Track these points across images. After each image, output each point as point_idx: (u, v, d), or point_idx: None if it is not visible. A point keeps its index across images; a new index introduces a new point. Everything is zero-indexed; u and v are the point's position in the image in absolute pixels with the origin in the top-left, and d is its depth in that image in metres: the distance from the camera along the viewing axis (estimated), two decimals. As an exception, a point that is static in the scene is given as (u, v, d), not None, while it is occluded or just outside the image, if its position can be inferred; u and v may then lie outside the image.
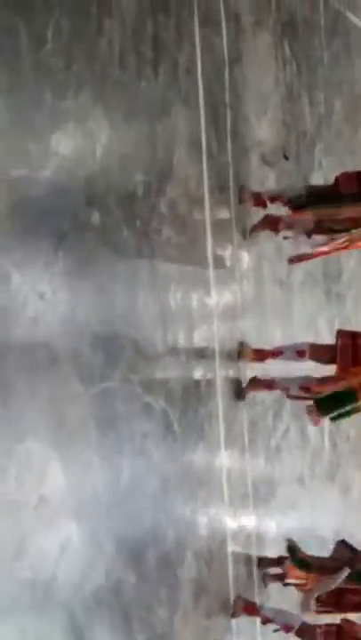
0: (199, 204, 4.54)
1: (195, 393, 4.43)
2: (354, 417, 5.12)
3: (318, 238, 4.97)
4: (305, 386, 4.89)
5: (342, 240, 4.87)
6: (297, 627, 4.89)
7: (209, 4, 4.72)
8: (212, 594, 4.55)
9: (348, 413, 4.87)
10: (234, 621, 4.86)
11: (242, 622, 4.99)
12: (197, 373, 4.48)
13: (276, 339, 5.68)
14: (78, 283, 3.26)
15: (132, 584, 3.60)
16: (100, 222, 3.41)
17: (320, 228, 4.91)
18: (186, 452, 4.28)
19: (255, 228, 5.12)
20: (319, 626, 4.84)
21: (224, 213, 4.92)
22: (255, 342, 5.16)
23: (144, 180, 3.82)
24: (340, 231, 4.84)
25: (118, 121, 3.61)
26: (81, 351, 3.25)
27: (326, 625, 4.88)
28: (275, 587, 5.26)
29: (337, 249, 5.10)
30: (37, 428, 3.00)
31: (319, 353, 4.95)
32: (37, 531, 2.97)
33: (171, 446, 4.07)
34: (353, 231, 4.80)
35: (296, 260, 5.31)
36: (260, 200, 5.05)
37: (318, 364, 5.00)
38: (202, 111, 4.55)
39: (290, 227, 5.03)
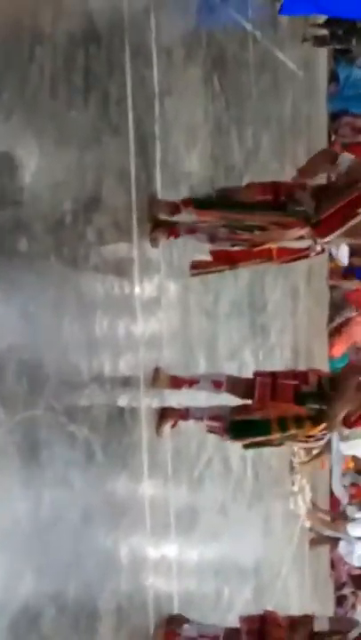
0: (127, 233, 4.57)
1: (119, 422, 4.42)
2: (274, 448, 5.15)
3: (221, 231, 4.75)
4: (216, 415, 4.89)
5: (244, 237, 4.69)
6: (222, 635, 4.84)
7: (140, 36, 4.78)
8: (132, 625, 4.51)
9: (262, 444, 4.88)
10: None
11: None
12: (122, 402, 4.47)
13: (201, 369, 5.72)
14: (3, 309, 3.24)
15: (51, 616, 3.55)
16: (27, 249, 3.40)
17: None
18: (109, 482, 4.26)
19: (156, 236, 4.85)
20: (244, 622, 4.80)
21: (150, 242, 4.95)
22: (180, 372, 5.19)
23: (72, 208, 3.82)
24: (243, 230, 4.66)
25: (48, 149, 3.61)
26: (4, 378, 3.22)
27: (249, 619, 4.83)
28: (197, 613, 5.23)
29: (240, 254, 4.86)
30: None
31: (236, 386, 4.98)
32: None
33: (93, 476, 4.05)
34: (256, 232, 4.66)
35: (195, 268, 5.06)
36: (174, 208, 4.86)
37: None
38: (131, 142, 4.59)
39: (192, 231, 4.88)
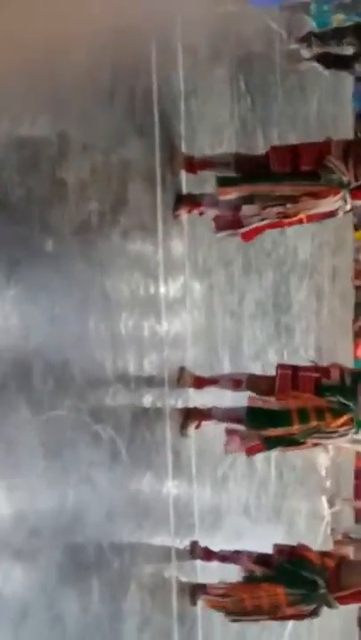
0: (152, 234, 4.57)
1: (143, 421, 4.43)
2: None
3: (247, 209, 4.63)
4: (238, 417, 4.88)
5: (276, 212, 4.59)
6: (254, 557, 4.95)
7: (166, 36, 4.78)
8: (155, 625, 4.52)
9: (285, 441, 4.84)
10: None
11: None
12: (146, 402, 4.48)
13: (225, 368, 5.72)
14: (30, 310, 3.26)
15: (74, 615, 3.57)
16: (53, 250, 3.41)
17: (249, 200, 4.62)
18: (133, 481, 4.27)
19: (177, 209, 4.79)
20: None
21: (177, 244, 4.95)
22: (205, 372, 5.19)
23: (98, 209, 3.83)
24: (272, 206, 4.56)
25: (74, 149, 3.62)
26: (31, 379, 3.24)
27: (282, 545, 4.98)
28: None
29: (271, 225, 4.76)
30: (-16, 455, 2.97)
31: (257, 383, 4.96)
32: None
33: (118, 475, 4.06)
34: (288, 205, 4.54)
35: (218, 226, 4.91)
36: (191, 165, 4.81)
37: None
38: (157, 142, 4.59)
39: (214, 204, 4.79)
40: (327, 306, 9.25)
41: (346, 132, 10.28)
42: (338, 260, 9.91)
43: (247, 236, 4.87)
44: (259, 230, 4.80)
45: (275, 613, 4.80)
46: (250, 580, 4.88)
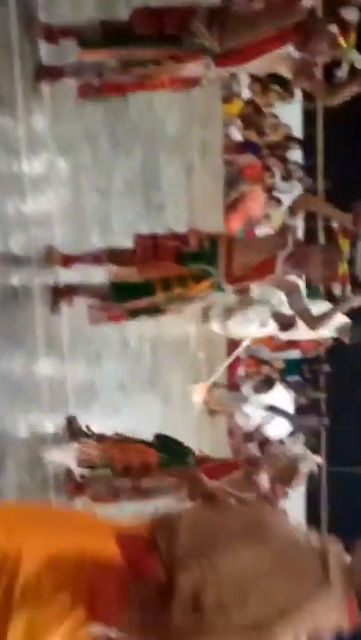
0: (12, 107, 4.41)
1: (13, 301, 4.39)
2: (168, 319, 5.20)
3: (110, 67, 4.61)
4: (101, 293, 4.91)
5: (138, 73, 4.57)
6: None
7: None
8: (34, 499, 4.61)
9: (147, 311, 4.92)
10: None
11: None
12: (15, 281, 4.43)
13: (95, 246, 5.68)
14: None
15: None
16: None
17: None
18: (4, 361, 4.26)
19: (37, 81, 4.61)
20: None
21: (39, 118, 4.80)
22: (73, 250, 5.15)
23: None
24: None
25: None
26: None
27: None
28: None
29: (133, 85, 4.75)
30: None
31: (117, 255, 4.98)
32: None
33: (-13, 355, 4.04)
34: (150, 66, 4.52)
35: (82, 93, 4.89)
36: (51, 33, 4.65)
37: None
38: (12, 10, 4.37)
39: (77, 73, 4.68)
40: (197, 181, 9.25)
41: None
42: (207, 134, 9.86)
43: (106, 85, 4.78)
44: (121, 87, 4.72)
45: (144, 475, 4.97)
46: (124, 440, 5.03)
